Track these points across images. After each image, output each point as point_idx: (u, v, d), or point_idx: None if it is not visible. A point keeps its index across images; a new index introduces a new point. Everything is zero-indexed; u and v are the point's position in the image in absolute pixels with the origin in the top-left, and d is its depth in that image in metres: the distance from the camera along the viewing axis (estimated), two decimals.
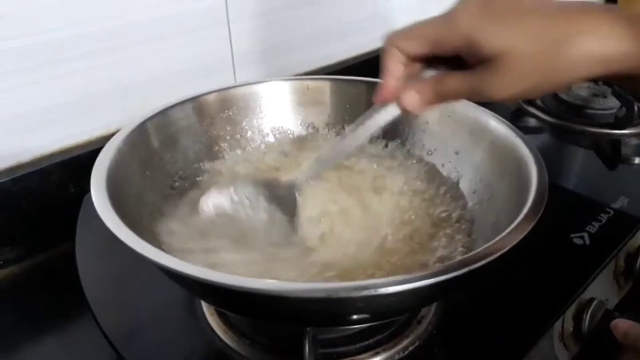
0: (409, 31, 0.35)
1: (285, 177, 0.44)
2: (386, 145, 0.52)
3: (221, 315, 0.42)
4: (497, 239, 0.31)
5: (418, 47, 0.35)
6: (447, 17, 0.33)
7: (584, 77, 0.32)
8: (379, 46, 0.37)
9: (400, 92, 0.36)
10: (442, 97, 0.35)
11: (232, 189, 0.42)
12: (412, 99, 0.36)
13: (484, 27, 0.32)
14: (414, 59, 0.36)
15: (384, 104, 0.37)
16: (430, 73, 0.36)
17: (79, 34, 0.54)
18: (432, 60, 0.36)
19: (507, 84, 0.32)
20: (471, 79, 0.34)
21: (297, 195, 0.41)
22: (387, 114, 0.37)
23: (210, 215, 0.41)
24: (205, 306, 0.43)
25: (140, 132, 0.43)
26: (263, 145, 0.53)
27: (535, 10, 0.31)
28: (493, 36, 0.31)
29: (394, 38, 0.36)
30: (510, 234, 0.31)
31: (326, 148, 0.43)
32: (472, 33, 0.32)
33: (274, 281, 0.29)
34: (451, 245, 0.40)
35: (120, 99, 0.59)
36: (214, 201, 0.41)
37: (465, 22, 0.32)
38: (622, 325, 0.43)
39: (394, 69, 0.36)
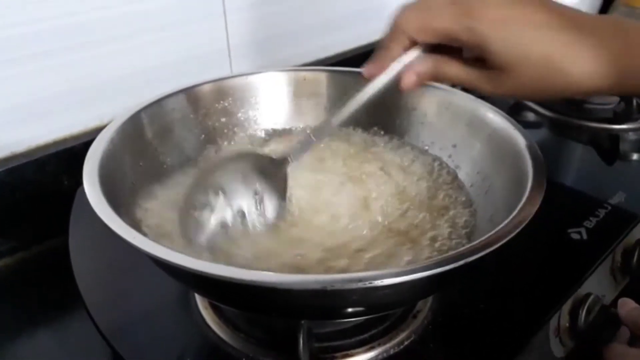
0: (423, 20, 0.35)
1: (276, 153, 0.43)
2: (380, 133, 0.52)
3: (215, 309, 0.42)
4: (494, 231, 0.31)
5: (428, 38, 0.35)
6: (464, 12, 0.33)
7: (576, 94, 0.36)
8: (378, 38, 0.37)
9: (395, 70, 0.37)
10: (438, 80, 0.37)
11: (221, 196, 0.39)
12: (411, 80, 0.37)
13: (501, 37, 0.33)
14: (416, 44, 0.36)
15: (373, 78, 0.38)
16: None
17: (74, 24, 0.54)
18: (433, 47, 0.36)
19: (508, 88, 0.34)
20: (474, 75, 0.35)
21: (287, 172, 0.41)
22: (375, 87, 0.38)
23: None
24: (199, 299, 0.43)
25: (133, 123, 0.43)
26: (262, 133, 0.52)
27: (545, 26, 0.33)
28: (510, 48, 0.33)
29: (406, 26, 0.35)
30: (507, 227, 0.31)
31: (317, 124, 0.43)
32: (487, 41, 0.33)
33: (269, 273, 0.28)
34: (447, 237, 0.40)
35: (115, 91, 0.59)
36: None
37: (484, 28, 0.33)
38: (628, 304, 0.44)
39: (395, 51, 0.37)
